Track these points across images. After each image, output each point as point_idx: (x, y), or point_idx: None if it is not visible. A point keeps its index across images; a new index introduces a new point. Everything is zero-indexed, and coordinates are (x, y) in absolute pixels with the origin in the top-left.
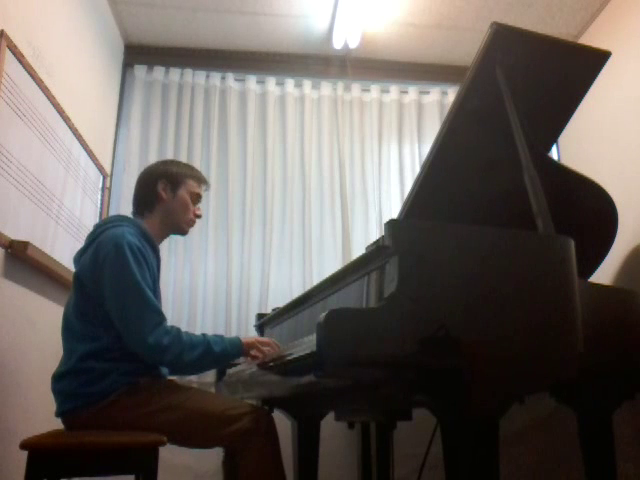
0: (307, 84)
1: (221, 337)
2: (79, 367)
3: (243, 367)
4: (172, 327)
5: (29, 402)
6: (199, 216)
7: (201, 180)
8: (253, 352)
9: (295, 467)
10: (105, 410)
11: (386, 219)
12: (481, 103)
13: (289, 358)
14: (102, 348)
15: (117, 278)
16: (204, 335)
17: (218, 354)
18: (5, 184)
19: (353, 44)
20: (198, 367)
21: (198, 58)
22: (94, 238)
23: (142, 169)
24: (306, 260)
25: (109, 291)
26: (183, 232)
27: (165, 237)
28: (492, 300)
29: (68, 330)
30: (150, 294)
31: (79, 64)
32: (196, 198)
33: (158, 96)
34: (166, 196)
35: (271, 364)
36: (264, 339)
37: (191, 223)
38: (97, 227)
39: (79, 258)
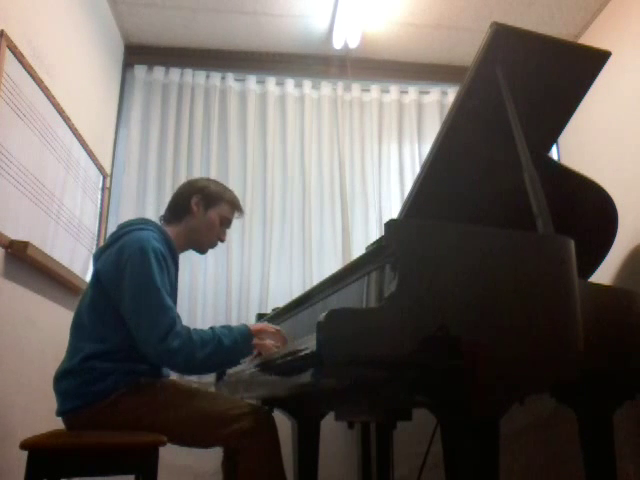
0: (307, 84)
1: (229, 328)
2: (82, 367)
3: (243, 367)
4: (182, 328)
5: (29, 402)
6: (222, 240)
7: (236, 207)
8: (257, 340)
9: (295, 467)
10: (106, 410)
11: (386, 219)
12: (481, 103)
13: (289, 358)
14: (109, 349)
15: (137, 281)
16: (212, 329)
17: (229, 347)
18: (5, 184)
19: (353, 44)
20: (212, 363)
21: (198, 58)
22: (117, 237)
23: (142, 169)
24: (306, 260)
25: (127, 292)
26: (202, 251)
27: (184, 250)
28: (492, 300)
29: (78, 327)
30: (168, 299)
31: (79, 64)
32: (225, 222)
33: (158, 96)
34: (196, 211)
35: (270, 365)
36: (272, 328)
37: (213, 245)
38: (121, 227)
39: (99, 255)
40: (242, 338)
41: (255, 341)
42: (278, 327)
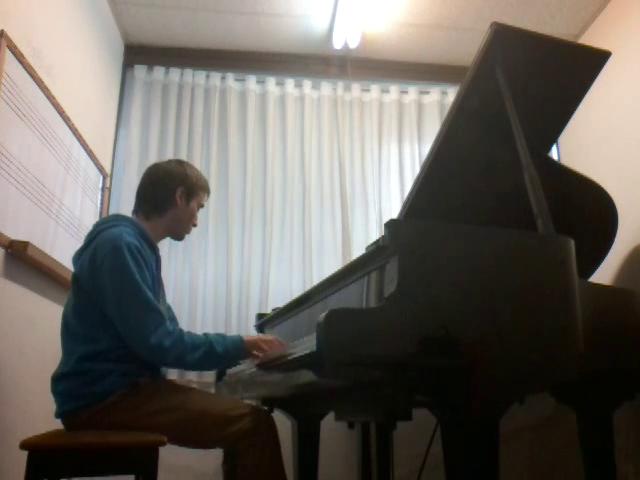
0: (307, 84)
1: (223, 336)
2: (79, 368)
3: (243, 367)
4: (174, 328)
5: (29, 402)
6: (196, 225)
7: (208, 192)
8: (255, 352)
9: (295, 467)
10: (105, 411)
11: (386, 219)
12: (481, 103)
13: (289, 358)
14: (102, 349)
15: (117, 280)
16: (206, 335)
17: (220, 354)
18: (5, 184)
19: (353, 44)
20: (201, 367)
21: (198, 58)
22: (92, 238)
23: (142, 169)
24: (306, 260)
25: (109, 293)
26: (180, 238)
27: (162, 239)
28: (492, 300)
29: (67, 331)
30: (150, 295)
31: (79, 64)
32: (200, 208)
33: (158, 96)
34: (180, 204)
35: (270, 364)
36: (267, 337)
37: (189, 232)
38: (95, 227)
39: (78, 258)
40: (234, 348)
41: (252, 353)
42: (271, 336)
